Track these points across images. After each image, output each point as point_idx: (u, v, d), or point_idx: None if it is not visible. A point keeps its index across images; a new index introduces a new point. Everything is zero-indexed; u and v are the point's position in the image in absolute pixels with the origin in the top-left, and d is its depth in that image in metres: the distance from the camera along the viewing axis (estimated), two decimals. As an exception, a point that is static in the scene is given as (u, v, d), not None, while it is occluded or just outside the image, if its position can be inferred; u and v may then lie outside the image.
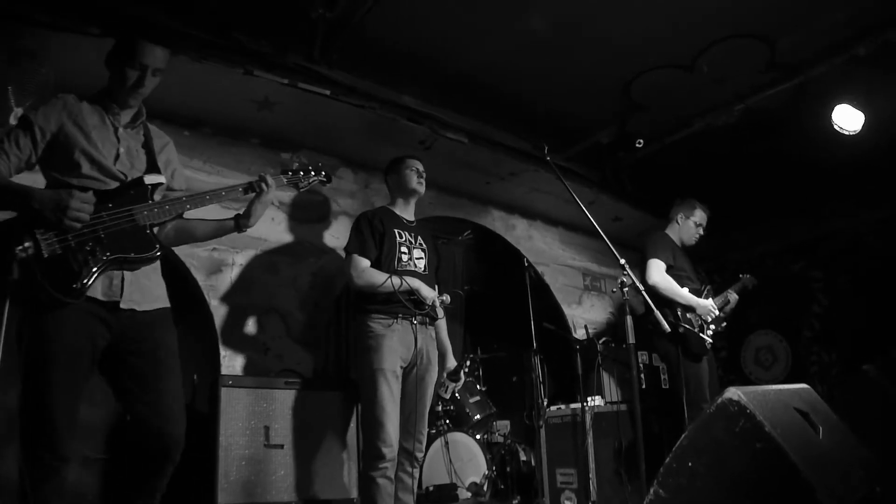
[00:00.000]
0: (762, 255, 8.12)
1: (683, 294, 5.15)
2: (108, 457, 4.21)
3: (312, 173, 3.35)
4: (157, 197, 2.86)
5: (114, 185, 2.77)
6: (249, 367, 4.74)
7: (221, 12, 4.34)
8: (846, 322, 7.25)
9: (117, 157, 2.84)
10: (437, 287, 4.37)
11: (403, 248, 4.26)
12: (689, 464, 2.28)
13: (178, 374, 2.80)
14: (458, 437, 4.96)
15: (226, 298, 4.80)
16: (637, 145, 5.92)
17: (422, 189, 4.46)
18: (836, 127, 5.27)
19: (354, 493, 4.33)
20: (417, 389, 4.08)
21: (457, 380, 4.69)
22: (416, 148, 5.46)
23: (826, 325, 7.47)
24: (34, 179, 2.76)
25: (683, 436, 2.34)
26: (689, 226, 5.57)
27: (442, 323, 4.53)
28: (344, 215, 5.61)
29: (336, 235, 5.51)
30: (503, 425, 5.99)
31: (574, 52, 4.90)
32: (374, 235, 4.21)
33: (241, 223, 3.11)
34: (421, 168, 4.48)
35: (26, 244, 2.43)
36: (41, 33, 3.80)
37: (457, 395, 5.01)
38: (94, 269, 2.56)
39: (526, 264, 6.00)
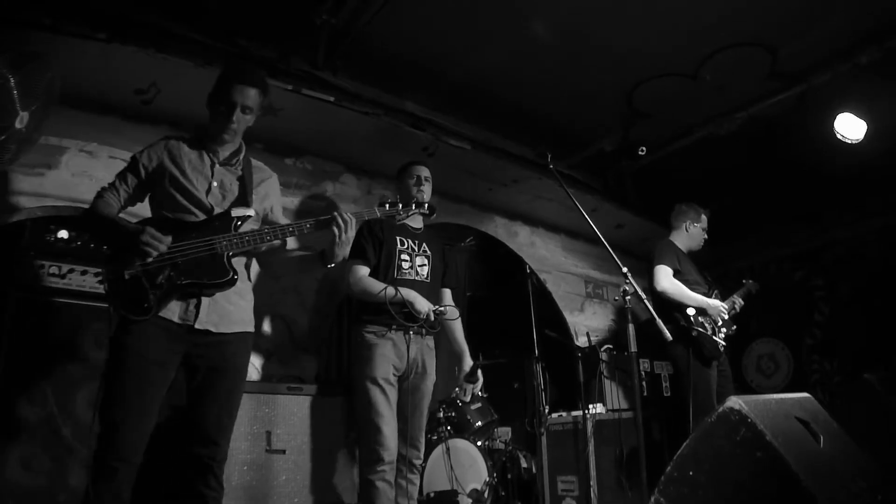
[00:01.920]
0: (764, 263, 8.12)
1: (694, 297, 5.15)
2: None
3: (413, 206, 3.41)
4: (246, 229, 3.06)
5: (203, 216, 3.02)
6: (252, 371, 4.74)
7: (227, 19, 4.37)
8: (848, 331, 7.24)
9: (209, 190, 3.10)
10: (441, 295, 4.40)
11: (404, 256, 4.25)
12: (691, 472, 2.28)
13: (236, 396, 3.07)
14: (460, 444, 4.95)
15: (228, 303, 4.80)
16: (640, 153, 5.94)
17: (423, 198, 4.39)
18: (838, 135, 5.28)
19: (355, 499, 4.31)
20: (412, 399, 4.09)
21: (475, 381, 4.67)
22: (419, 154, 5.47)
23: (828, 334, 7.46)
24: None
25: (685, 444, 2.35)
26: (697, 232, 5.61)
27: (457, 324, 4.55)
28: (347, 221, 5.60)
29: (339, 241, 5.51)
30: (504, 432, 5.98)
31: (577, 60, 4.93)
32: (374, 243, 4.20)
33: (325, 262, 3.23)
34: (423, 175, 4.47)
35: (112, 267, 2.82)
36: (48, 38, 3.82)
37: (465, 400, 4.97)
38: (167, 292, 2.84)
39: (528, 271, 5.99)
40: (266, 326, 4.96)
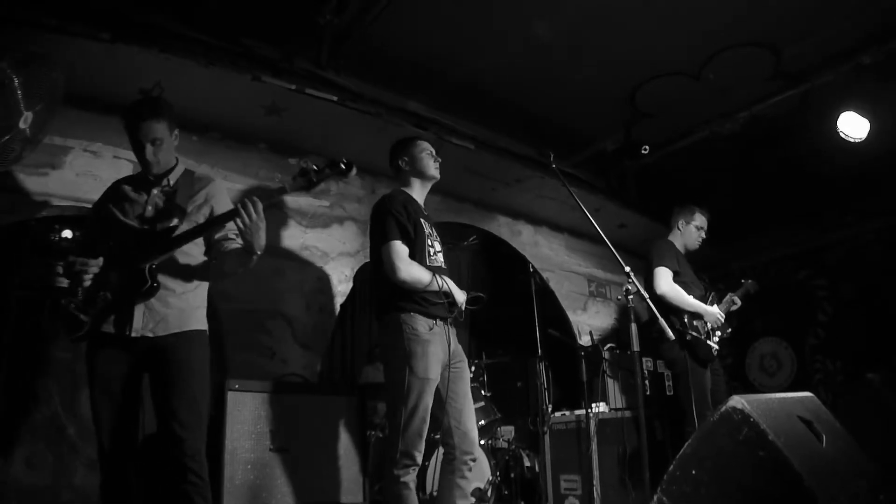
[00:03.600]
0: (767, 263, 8.13)
1: (691, 301, 5.12)
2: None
3: (327, 170, 3.16)
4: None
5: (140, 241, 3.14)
6: (255, 371, 4.75)
7: (230, 19, 4.38)
8: (851, 331, 7.24)
9: (142, 216, 3.23)
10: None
11: (430, 241, 3.89)
12: (693, 472, 2.28)
13: (192, 389, 3.09)
14: (463, 443, 4.95)
15: (232, 302, 4.81)
16: (643, 152, 5.94)
17: (439, 174, 4.07)
18: (841, 134, 5.28)
19: (360, 498, 4.33)
20: (460, 387, 3.82)
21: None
22: (422, 154, 5.48)
23: (831, 334, 7.47)
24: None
25: (687, 444, 2.35)
26: (690, 231, 5.53)
27: None
28: (350, 220, 5.63)
29: (343, 241, 5.53)
30: (507, 431, 5.98)
31: (580, 59, 4.93)
32: (410, 222, 3.77)
33: (248, 252, 3.18)
34: (434, 150, 4.10)
35: (63, 301, 3.04)
36: (52, 38, 3.83)
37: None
38: (102, 310, 3.04)
39: (531, 270, 5.99)
40: (269, 325, 4.97)
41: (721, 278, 8.00)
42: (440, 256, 3.93)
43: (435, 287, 3.66)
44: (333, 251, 5.47)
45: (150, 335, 3.08)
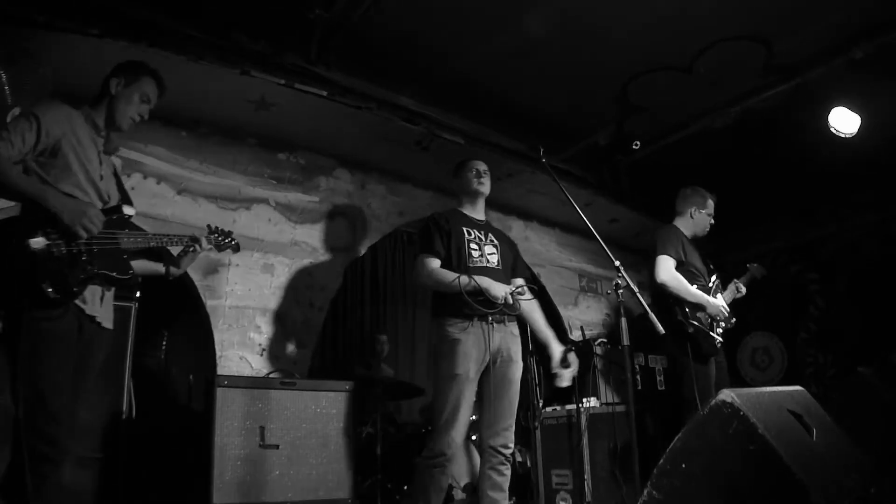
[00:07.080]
0: (759, 257, 8.10)
1: (693, 292, 4.83)
2: (102, 456, 4.21)
3: (230, 240, 3.45)
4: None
5: (98, 204, 2.82)
6: (245, 367, 4.74)
7: (220, 13, 4.35)
8: (843, 324, 7.26)
9: (101, 178, 2.91)
10: (513, 283, 4.20)
11: (473, 245, 4.13)
12: (683, 465, 2.28)
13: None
14: (454, 438, 4.95)
15: (222, 298, 4.80)
16: (634, 147, 5.94)
17: (484, 189, 4.31)
18: (832, 129, 5.28)
19: (348, 494, 4.32)
20: (500, 387, 3.97)
21: (568, 366, 4.22)
22: (412, 149, 5.47)
23: (822, 327, 7.49)
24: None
25: (677, 437, 2.35)
26: (702, 217, 5.26)
27: (536, 311, 4.33)
28: (340, 216, 5.61)
29: (333, 236, 5.51)
30: (499, 426, 5.98)
31: (572, 54, 4.92)
32: (442, 235, 4.10)
33: (170, 271, 3.26)
34: (483, 168, 4.34)
35: (39, 238, 2.48)
36: (41, 34, 3.80)
37: (562, 387, 4.38)
38: (86, 277, 2.63)
39: (523, 265, 5.99)
40: (258, 321, 4.95)
41: (714, 272, 8.03)
42: (493, 258, 4.17)
43: (456, 287, 3.83)
44: (324, 246, 5.45)
45: (104, 325, 2.81)
